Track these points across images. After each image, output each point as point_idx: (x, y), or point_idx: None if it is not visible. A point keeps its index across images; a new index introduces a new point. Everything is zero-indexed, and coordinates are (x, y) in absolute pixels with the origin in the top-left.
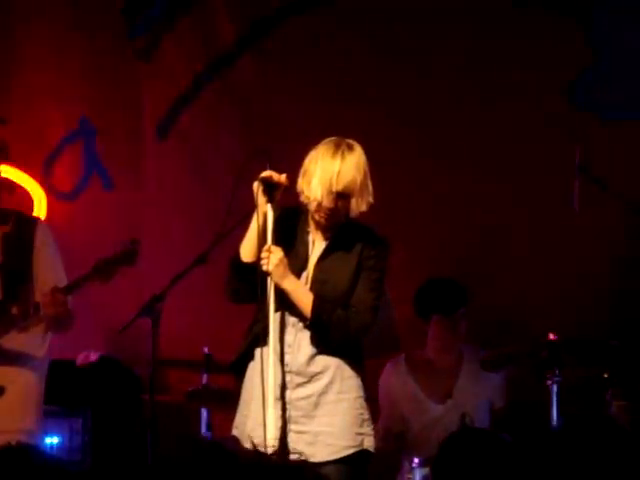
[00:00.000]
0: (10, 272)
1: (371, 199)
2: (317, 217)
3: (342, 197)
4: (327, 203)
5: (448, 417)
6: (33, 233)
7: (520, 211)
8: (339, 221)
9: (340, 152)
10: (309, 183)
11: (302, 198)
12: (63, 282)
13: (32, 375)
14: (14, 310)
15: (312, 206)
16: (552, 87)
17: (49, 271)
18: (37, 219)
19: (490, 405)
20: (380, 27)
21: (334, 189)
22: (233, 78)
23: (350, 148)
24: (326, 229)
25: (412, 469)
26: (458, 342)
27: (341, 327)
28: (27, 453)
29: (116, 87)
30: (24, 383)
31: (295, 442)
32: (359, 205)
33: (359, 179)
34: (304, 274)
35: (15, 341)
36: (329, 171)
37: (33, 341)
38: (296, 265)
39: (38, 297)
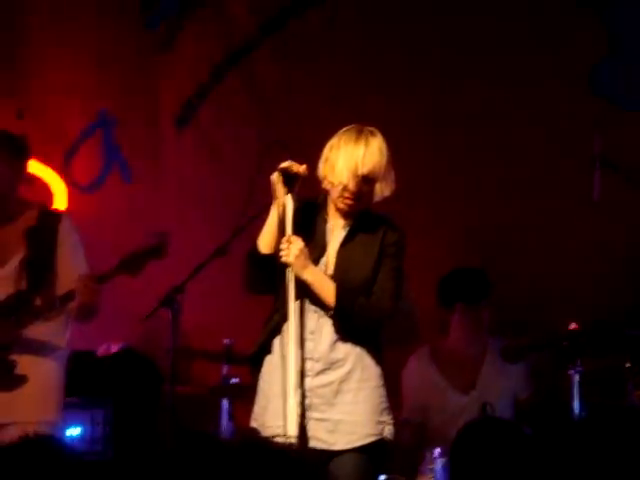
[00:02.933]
0: (34, 264)
1: (393, 185)
2: (340, 203)
3: (367, 181)
4: (352, 187)
5: (471, 408)
6: (57, 226)
7: (540, 200)
8: (362, 207)
9: (364, 137)
10: (333, 168)
11: (325, 184)
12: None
13: (53, 365)
14: (37, 301)
15: (336, 191)
16: (571, 76)
17: (72, 264)
18: (61, 212)
19: (514, 396)
20: (399, 18)
21: (360, 172)
22: (251, 69)
23: (372, 134)
24: (346, 216)
25: (433, 459)
26: (482, 332)
27: (364, 315)
28: (45, 445)
29: (134, 78)
30: (45, 373)
31: (315, 430)
32: (383, 190)
33: (383, 163)
34: (322, 260)
35: (37, 331)
36: (354, 155)
37: (55, 331)
38: (314, 252)
39: (61, 290)
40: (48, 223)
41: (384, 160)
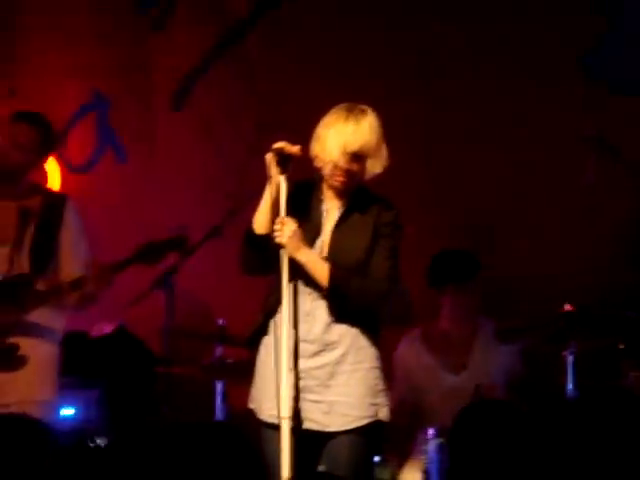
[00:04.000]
0: (38, 248)
1: (385, 162)
2: (332, 181)
3: (357, 158)
4: (343, 164)
5: (463, 388)
6: (62, 210)
7: (534, 182)
8: (354, 184)
9: (354, 115)
10: (324, 146)
11: (316, 162)
12: (87, 259)
13: (51, 347)
14: (40, 285)
15: (327, 169)
16: (566, 59)
17: (75, 249)
18: (66, 196)
19: (506, 375)
20: (390, 1)
21: (349, 149)
22: (244, 51)
23: (363, 111)
24: (340, 194)
25: (427, 440)
26: (472, 313)
27: (359, 296)
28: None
29: (128, 60)
30: (44, 354)
31: (310, 411)
32: (374, 166)
33: (374, 139)
34: (318, 241)
35: (35, 314)
36: (344, 132)
37: (53, 314)
38: (310, 232)
39: (64, 274)
40: (53, 207)
41: (374, 137)
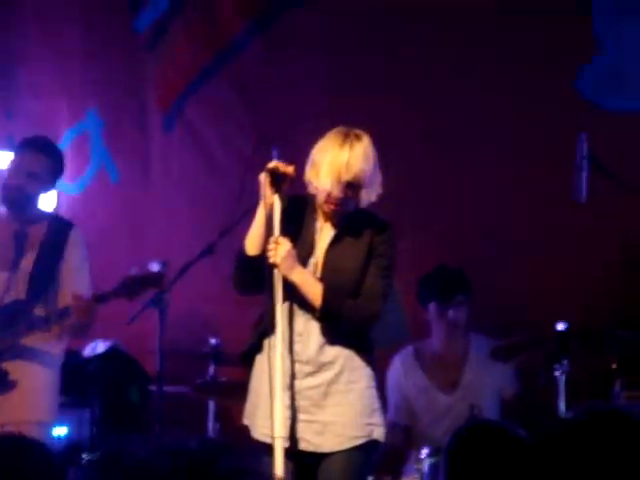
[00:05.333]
0: (37, 274)
1: (380, 189)
2: (326, 208)
3: (351, 187)
4: (336, 193)
5: (457, 407)
6: (66, 238)
7: (529, 201)
8: (347, 211)
9: (349, 142)
10: (318, 174)
11: (311, 189)
12: (87, 289)
13: (47, 370)
14: (37, 311)
15: (321, 197)
16: (558, 77)
17: (75, 278)
18: (72, 224)
19: (500, 394)
20: (385, 19)
21: (343, 179)
22: (239, 69)
23: (358, 138)
24: (335, 215)
25: (420, 460)
26: (460, 331)
27: (351, 317)
28: (25, 446)
29: (122, 79)
30: (38, 378)
31: (304, 432)
32: (369, 195)
33: (368, 169)
34: (312, 260)
35: (33, 338)
36: (337, 161)
37: (51, 339)
38: (303, 251)
39: (62, 302)
40: (57, 233)
41: (369, 166)
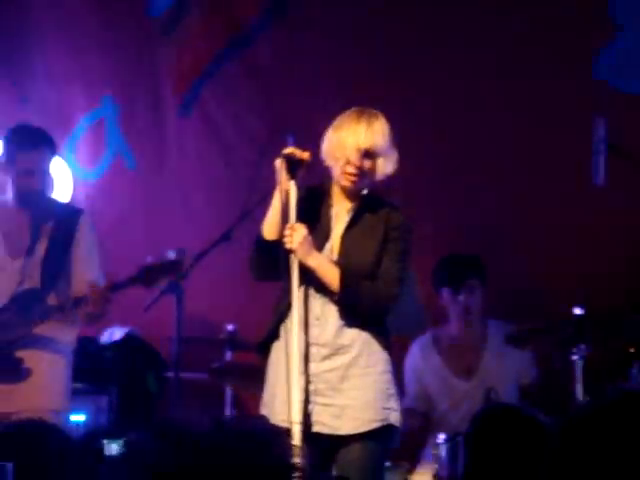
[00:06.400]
0: (49, 262)
1: (396, 164)
2: (344, 180)
3: (369, 155)
4: (355, 160)
5: (474, 393)
6: (76, 225)
7: (547, 185)
8: (365, 185)
9: (366, 116)
10: (336, 144)
11: (328, 162)
12: (99, 277)
13: (60, 358)
14: (51, 300)
15: (339, 167)
16: (574, 61)
17: (87, 265)
18: (81, 211)
19: (517, 380)
20: (400, 4)
21: (362, 146)
22: (254, 55)
23: (374, 115)
24: (350, 197)
25: (438, 445)
26: (475, 316)
27: (369, 300)
28: (46, 430)
29: (137, 64)
30: (52, 365)
31: (321, 415)
32: (385, 166)
33: (386, 139)
34: (327, 245)
35: (46, 326)
36: (356, 131)
37: (64, 327)
38: (319, 237)
39: (75, 290)
40: (67, 221)
41: (386, 137)
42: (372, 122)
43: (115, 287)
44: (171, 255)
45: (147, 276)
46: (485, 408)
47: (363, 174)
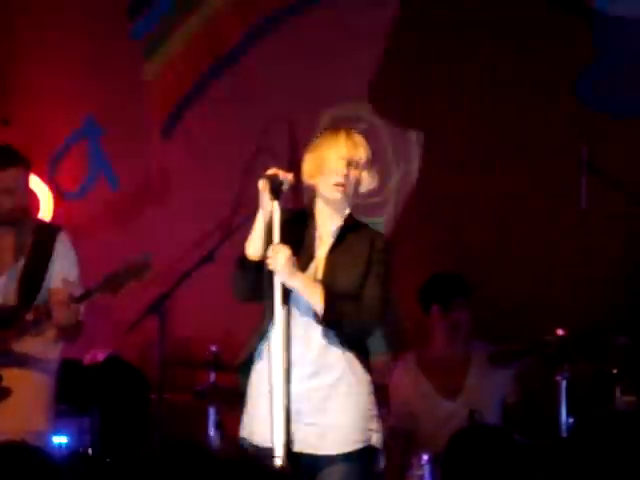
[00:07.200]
0: (26, 280)
1: (376, 181)
2: (333, 192)
3: (352, 164)
4: (341, 169)
5: (459, 413)
6: (53, 242)
7: (530, 207)
8: (350, 199)
9: (343, 130)
10: (318, 159)
11: (311, 181)
12: (76, 293)
13: (43, 377)
14: (28, 317)
15: (325, 182)
16: (558, 84)
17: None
18: (59, 228)
19: (502, 401)
20: (383, 31)
21: (345, 156)
22: (238, 76)
23: (351, 129)
24: (335, 215)
25: (421, 466)
26: (461, 336)
27: (353, 321)
28: (27, 452)
29: (120, 85)
30: (34, 384)
31: (304, 435)
32: (369, 181)
33: (366, 151)
34: (312, 266)
35: (27, 344)
36: (337, 143)
37: (46, 344)
38: (303, 258)
39: (49, 304)
40: (45, 238)
41: (366, 149)
42: (351, 134)
43: (79, 297)
44: (136, 259)
45: (112, 282)
46: (462, 430)
47: (349, 183)
